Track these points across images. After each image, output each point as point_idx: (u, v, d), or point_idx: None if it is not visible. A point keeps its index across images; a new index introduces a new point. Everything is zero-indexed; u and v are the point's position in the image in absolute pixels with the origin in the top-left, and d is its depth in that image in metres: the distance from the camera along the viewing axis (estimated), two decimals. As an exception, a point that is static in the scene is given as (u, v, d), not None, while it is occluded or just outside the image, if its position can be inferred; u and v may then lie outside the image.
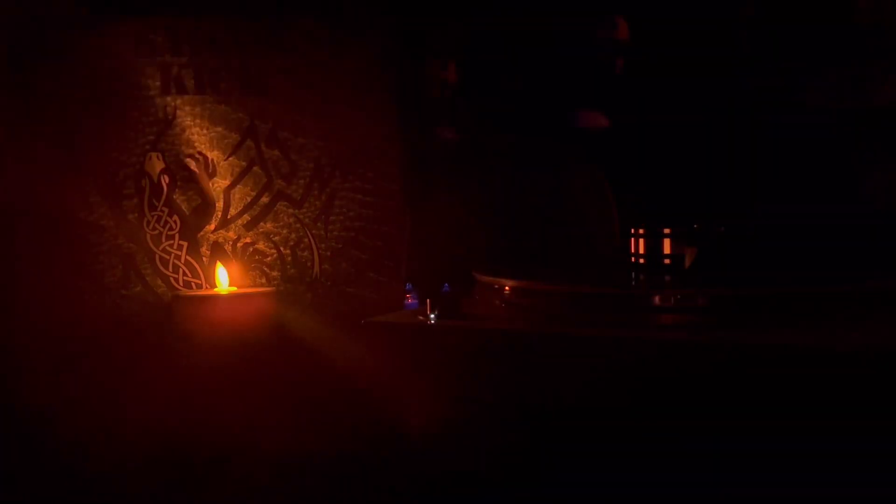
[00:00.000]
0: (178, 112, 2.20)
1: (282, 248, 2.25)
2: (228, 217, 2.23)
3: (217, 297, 2.11)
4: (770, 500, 1.51)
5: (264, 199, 2.24)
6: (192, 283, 2.21)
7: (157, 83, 2.19)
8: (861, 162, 2.06)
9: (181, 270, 2.21)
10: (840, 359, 1.47)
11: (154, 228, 2.20)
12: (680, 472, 1.57)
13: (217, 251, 2.22)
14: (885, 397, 1.42)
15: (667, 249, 2.05)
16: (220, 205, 2.22)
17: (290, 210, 2.25)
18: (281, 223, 2.25)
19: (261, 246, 2.24)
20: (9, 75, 2.20)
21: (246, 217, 2.23)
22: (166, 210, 2.20)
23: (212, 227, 2.22)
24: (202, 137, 2.21)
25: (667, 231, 2.04)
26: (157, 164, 2.20)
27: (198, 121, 2.20)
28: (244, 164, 2.22)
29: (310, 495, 2.16)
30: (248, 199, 2.23)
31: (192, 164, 2.19)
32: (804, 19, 2.12)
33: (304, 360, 2.17)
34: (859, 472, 1.44)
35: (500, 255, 2.40)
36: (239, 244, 2.23)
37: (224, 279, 2.17)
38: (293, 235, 2.25)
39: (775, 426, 1.50)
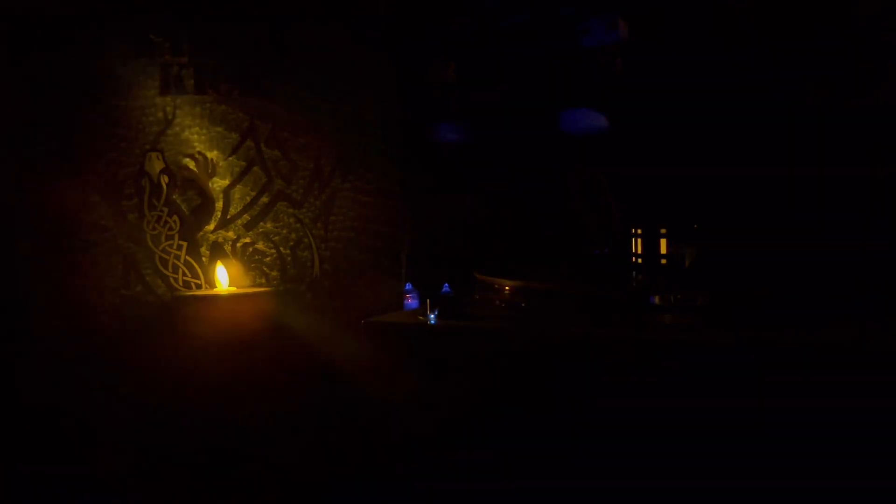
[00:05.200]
0: (178, 112, 2.20)
1: (282, 248, 2.25)
2: (228, 217, 2.23)
3: (217, 297, 2.11)
4: (771, 495, 1.52)
5: (264, 199, 2.23)
6: (192, 283, 2.21)
7: (157, 83, 2.19)
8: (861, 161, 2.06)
9: (181, 270, 2.21)
10: (840, 358, 1.47)
11: (154, 228, 2.20)
12: (678, 469, 1.57)
13: (217, 251, 2.22)
14: (885, 396, 1.42)
15: (666, 250, 2.05)
16: (219, 205, 2.22)
17: (290, 210, 2.25)
18: (281, 223, 2.25)
19: (261, 246, 2.24)
20: (10, 76, 2.20)
21: (246, 217, 2.23)
22: (166, 210, 2.20)
23: (212, 227, 2.22)
24: (202, 137, 2.21)
25: (666, 231, 2.04)
26: (157, 164, 2.20)
27: (198, 121, 2.20)
28: (244, 164, 2.22)
29: (309, 492, 2.16)
30: (248, 199, 2.23)
31: (192, 164, 2.20)
32: (805, 21, 2.11)
33: (303, 360, 2.17)
34: (858, 469, 1.44)
35: (500, 255, 2.40)
36: (239, 244, 2.23)
37: (224, 279, 2.17)
38: (293, 235, 2.25)
39: (774, 425, 1.50)
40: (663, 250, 2.05)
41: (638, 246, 2.09)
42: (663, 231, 2.05)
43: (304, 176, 2.25)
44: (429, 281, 2.21)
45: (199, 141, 2.20)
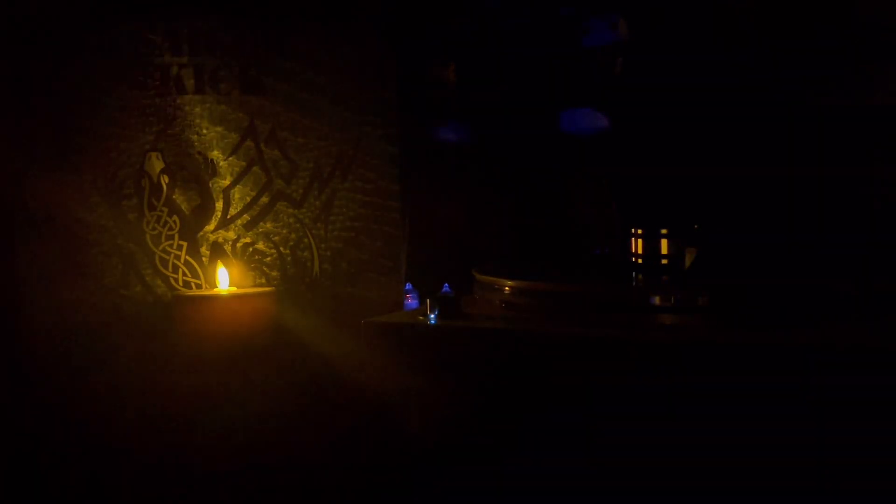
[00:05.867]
0: (178, 112, 2.20)
1: (282, 248, 2.25)
2: (228, 217, 2.23)
3: (217, 297, 2.11)
4: (769, 497, 1.52)
5: (264, 199, 2.23)
6: (192, 283, 2.21)
7: (157, 83, 2.19)
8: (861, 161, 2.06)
9: (181, 270, 2.21)
10: (841, 358, 1.47)
11: (154, 228, 2.20)
12: (677, 471, 1.57)
13: (217, 251, 2.22)
14: (885, 396, 1.42)
15: (666, 250, 2.05)
16: (219, 205, 2.22)
17: (290, 210, 2.25)
18: (281, 223, 2.25)
19: (261, 246, 2.24)
20: (9, 76, 2.20)
21: (246, 217, 2.23)
22: (166, 210, 2.20)
23: (212, 227, 2.22)
24: (202, 137, 2.21)
25: (666, 231, 2.04)
26: (157, 164, 2.20)
27: (198, 121, 2.20)
28: (244, 164, 2.22)
29: (309, 493, 2.16)
30: (248, 199, 2.23)
31: (192, 165, 2.20)
32: (805, 20, 2.12)
33: (303, 359, 2.17)
34: (858, 469, 1.44)
35: (501, 255, 2.40)
36: (239, 244, 2.23)
37: (224, 279, 2.17)
38: (293, 235, 2.25)
39: (774, 425, 1.50)
40: (663, 250, 2.05)
41: (638, 246, 2.08)
42: (663, 231, 2.05)
43: (304, 176, 2.25)
44: (429, 281, 2.21)
45: (199, 141, 2.20)
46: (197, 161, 2.21)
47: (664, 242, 2.04)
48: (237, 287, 2.18)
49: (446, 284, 2.05)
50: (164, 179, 2.20)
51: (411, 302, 2.25)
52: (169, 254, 2.20)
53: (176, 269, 2.21)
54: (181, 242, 2.21)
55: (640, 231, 2.08)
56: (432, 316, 1.89)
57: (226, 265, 2.19)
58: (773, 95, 2.14)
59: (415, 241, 2.40)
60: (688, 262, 2.01)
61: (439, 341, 1.84)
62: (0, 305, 2.21)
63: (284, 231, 2.25)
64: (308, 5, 2.23)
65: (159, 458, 2.14)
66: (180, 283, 2.21)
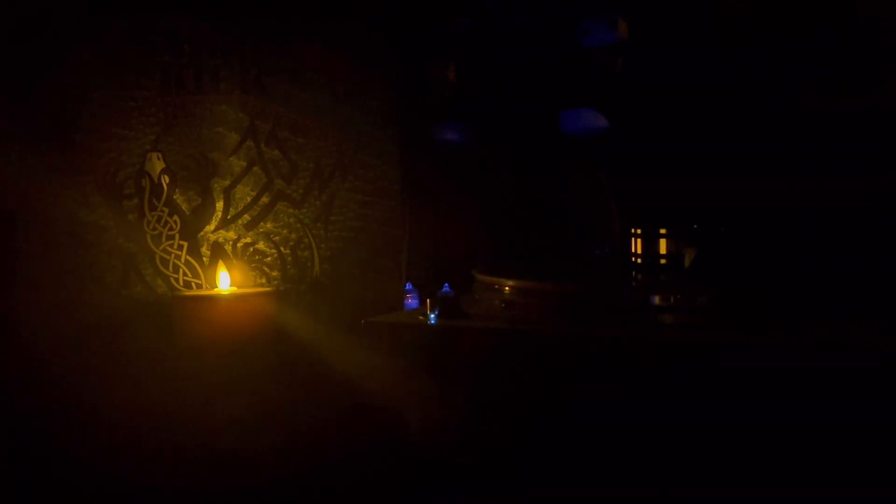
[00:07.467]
0: (179, 112, 2.20)
1: (282, 248, 2.25)
2: (229, 217, 2.23)
3: (217, 297, 2.11)
4: (771, 497, 1.52)
5: (264, 199, 2.24)
6: (192, 283, 2.21)
7: (158, 83, 2.19)
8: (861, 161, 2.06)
9: (182, 270, 2.21)
10: (841, 358, 1.47)
11: (154, 228, 2.20)
12: (677, 471, 1.57)
13: (217, 251, 2.22)
14: (885, 395, 1.42)
15: (666, 249, 2.05)
16: (220, 205, 2.22)
17: (290, 210, 2.25)
18: (281, 223, 2.25)
19: (261, 246, 2.24)
20: (9, 76, 2.20)
21: (246, 217, 2.23)
22: (166, 210, 2.20)
23: (212, 227, 2.22)
24: (202, 137, 2.21)
25: (666, 231, 2.04)
26: (157, 164, 2.20)
27: (198, 121, 2.20)
28: (244, 164, 2.22)
29: (308, 492, 2.16)
30: (249, 199, 2.23)
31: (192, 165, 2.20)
32: (805, 20, 2.12)
33: (303, 360, 2.17)
34: (858, 468, 1.44)
35: (501, 254, 2.40)
36: (239, 244, 2.23)
37: (225, 280, 2.17)
38: (293, 235, 2.25)
39: (774, 425, 1.50)
40: (663, 250, 2.05)
41: (638, 246, 2.09)
42: (663, 231, 2.05)
43: (304, 176, 2.25)
44: (429, 281, 2.21)
45: (199, 141, 2.20)
46: (197, 161, 2.21)
47: (663, 242, 2.05)
48: (237, 287, 2.18)
49: (446, 284, 2.05)
50: (165, 179, 2.20)
51: (411, 302, 2.25)
52: (169, 254, 2.20)
53: (176, 269, 2.21)
54: (182, 242, 2.21)
55: (639, 231, 2.08)
56: (432, 316, 1.89)
57: (226, 265, 2.19)
58: (773, 95, 2.14)
59: (415, 241, 2.40)
60: (687, 262, 2.02)
61: (439, 341, 1.84)
62: (0, 305, 2.21)
63: (285, 231, 2.25)
64: (308, 5, 2.23)
65: (159, 456, 2.14)
66: (181, 283, 2.21)
